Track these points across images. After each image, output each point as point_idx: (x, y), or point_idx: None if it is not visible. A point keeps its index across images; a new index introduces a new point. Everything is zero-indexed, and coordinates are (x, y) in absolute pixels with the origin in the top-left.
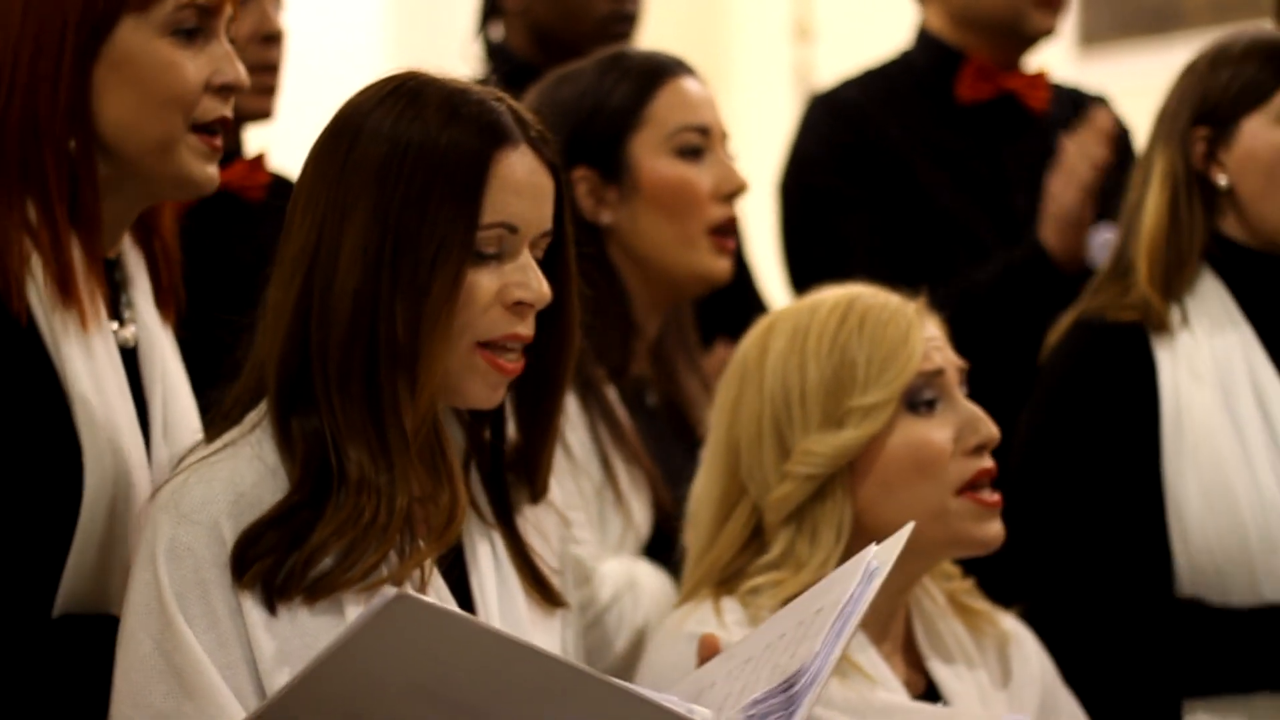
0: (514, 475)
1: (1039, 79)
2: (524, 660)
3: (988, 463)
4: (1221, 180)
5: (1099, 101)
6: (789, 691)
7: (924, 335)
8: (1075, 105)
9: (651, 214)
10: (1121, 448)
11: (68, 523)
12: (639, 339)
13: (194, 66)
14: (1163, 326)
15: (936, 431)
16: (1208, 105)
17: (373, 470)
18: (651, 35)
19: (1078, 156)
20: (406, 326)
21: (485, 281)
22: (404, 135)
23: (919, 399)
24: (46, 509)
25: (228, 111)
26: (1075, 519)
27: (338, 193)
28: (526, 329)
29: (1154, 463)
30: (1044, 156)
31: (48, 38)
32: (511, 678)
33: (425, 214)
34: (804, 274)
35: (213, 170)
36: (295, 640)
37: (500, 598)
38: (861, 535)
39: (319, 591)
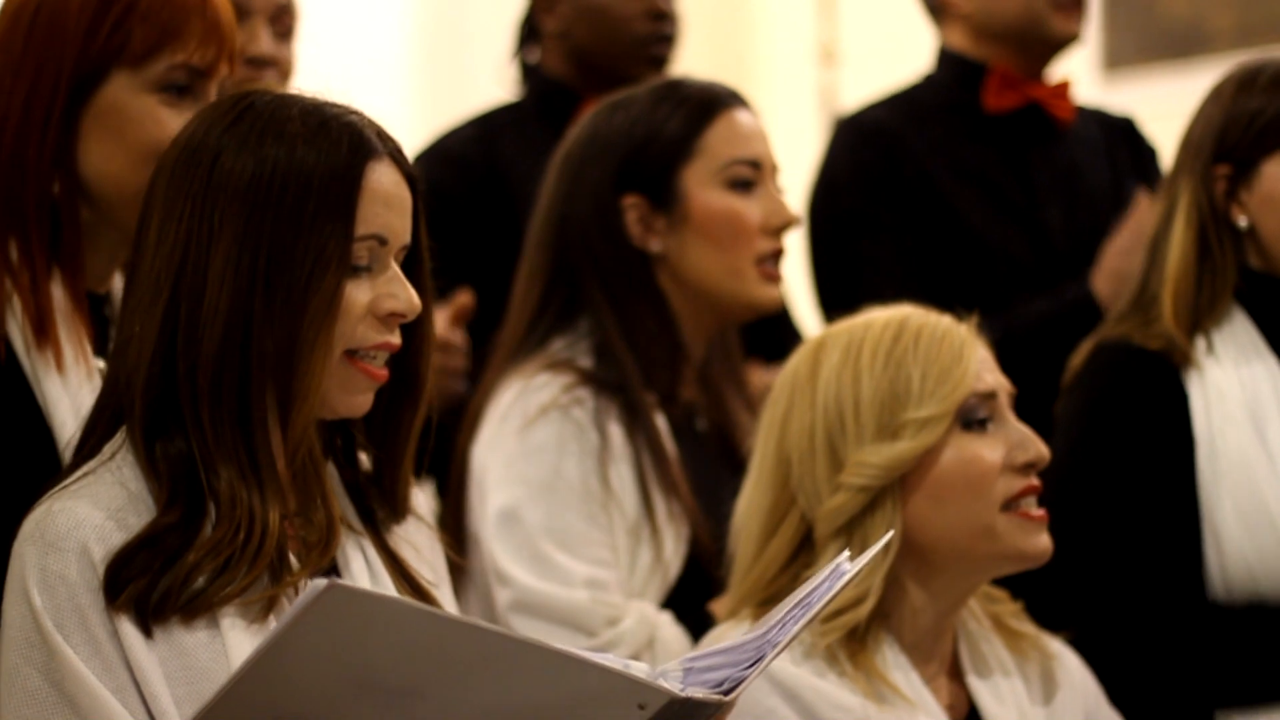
0: (374, 490)
1: (1063, 88)
2: (458, 635)
3: (1034, 480)
4: (1242, 221)
5: (1124, 121)
6: (731, 655)
7: (978, 355)
8: (1100, 125)
9: (700, 244)
10: (1157, 471)
11: None
12: (688, 365)
13: (176, 124)
14: (1188, 362)
15: (988, 449)
16: (1229, 143)
17: (243, 491)
18: (678, 59)
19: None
20: (282, 343)
21: (358, 294)
22: (271, 151)
23: (973, 417)
24: None
25: None
26: (1112, 541)
27: (202, 212)
28: (395, 338)
29: (1190, 486)
30: (1071, 170)
31: (44, 83)
32: (447, 654)
33: (300, 228)
34: (834, 297)
35: None
36: (173, 660)
37: None
38: (909, 550)
39: (195, 610)
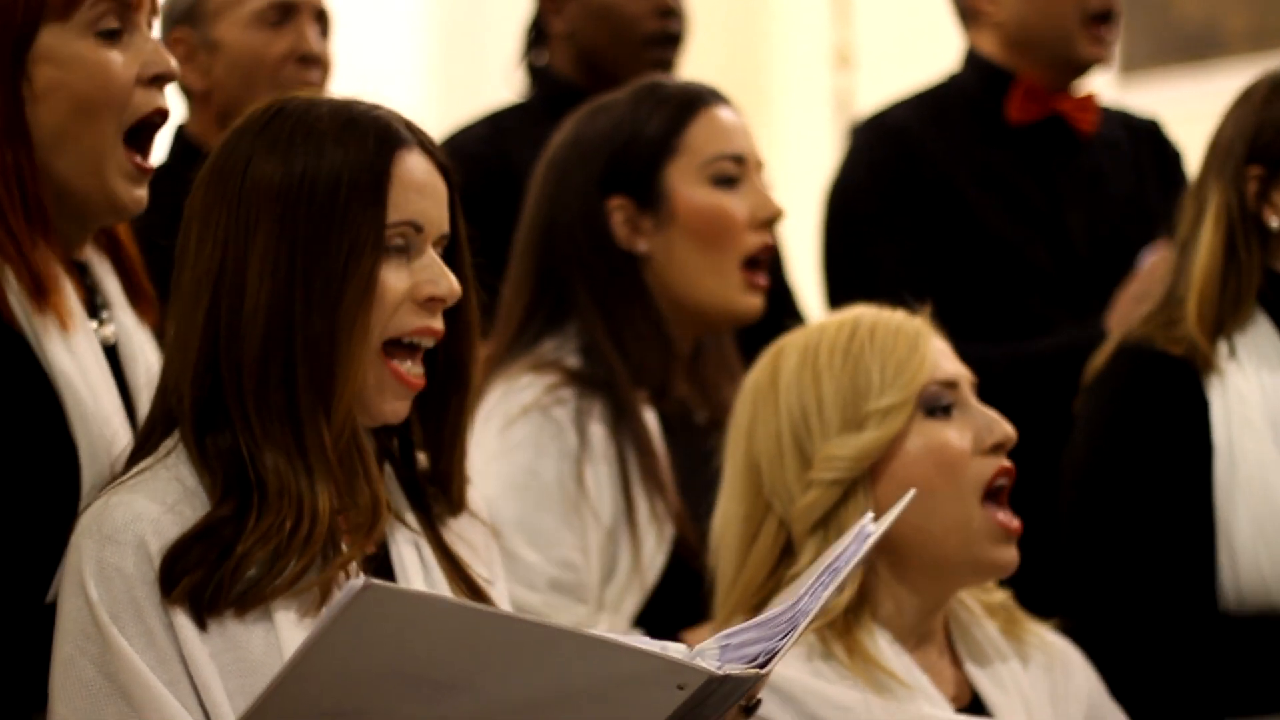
0: (431, 488)
1: (1088, 101)
2: (494, 627)
3: (1005, 461)
4: (1274, 221)
5: (1149, 124)
6: (767, 627)
7: (934, 345)
8: (1125, 128)
9: (687, 242)
10: (1174, 477)
11: (66, 512)
12: (678, 362)
13: (121, 61)
14: (1209, 367)
15: (955, 434)
16: (1260, 144)
17: (291, 478)
18: (693, 63)
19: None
20: (322, 331)
21: (395, 280)
22: (301, 150)
23: (936, 404)
24: (45, 500)
25: (163, 102)
26: (1125, 544)
27: (238, 214)
28: (438, 323)
29: (1205, 493)
30: (1095, 177)
31: None
32: (485, 646)
33: (333, 219)
34: (848, 300)
35: (140, 193)
36: (227, 654)
37: None
38: (883, 543)
39: (247, 602)
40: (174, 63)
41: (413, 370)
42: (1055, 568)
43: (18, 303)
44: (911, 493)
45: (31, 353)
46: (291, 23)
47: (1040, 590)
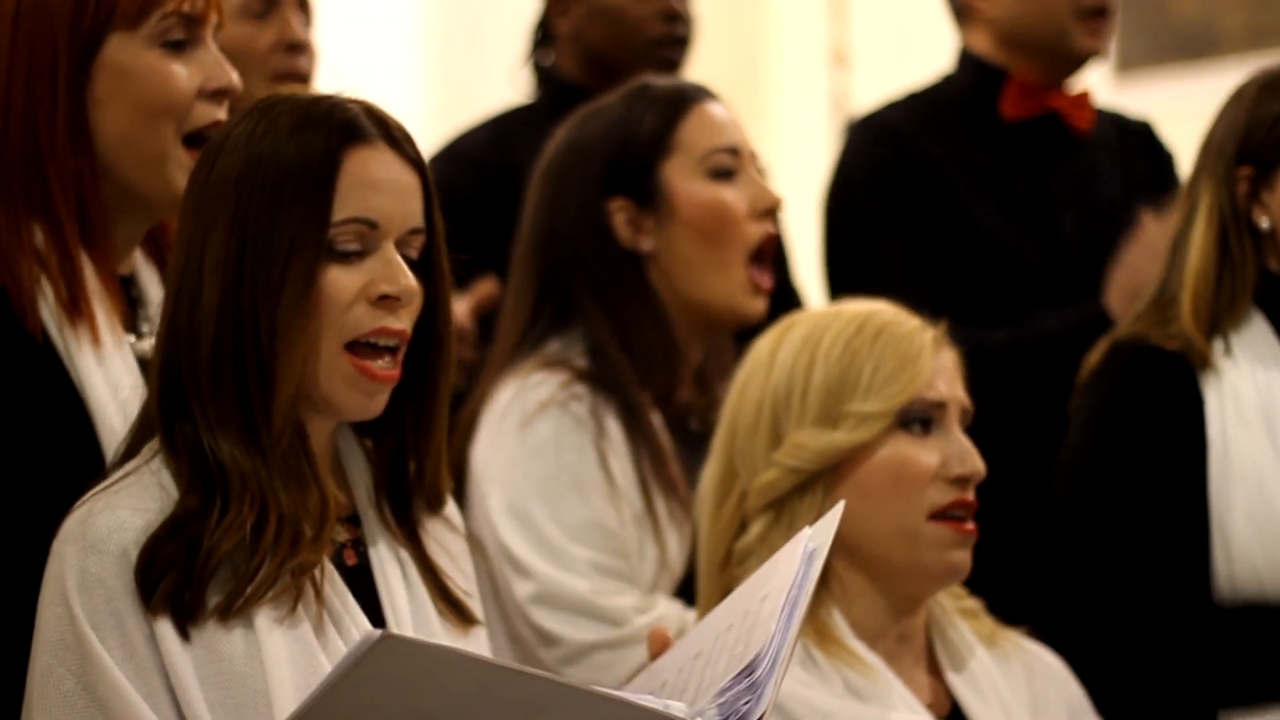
0: (413, 492)
1: (1083, 98)
2: (505, 681)
3: (968, 495)
4: (1264, 222)
5: (1142, 126)
6: (751, 678)
7: (935, 362)
8: (1118, 129)
9: (690, 237)
10: (1169, 472)
11: None
12: (684, 365)
13: (185, 74)
14: (1205, 364)
15: (924, 454)
16: (1251, 145)
17: (251, 473)
18: (690, 62)
19: (1162, 236)
20: (265, 330)
21: (346, 279)
22: (257, 145)
23: (913, 418)
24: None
25: (222, 114)
26: (1120, 540)
27: (201, 211)
28: (398, 323)
29: (1201, 488)
30: (1088, 177)
31: (40, 62)
32: (494, 699)
33: (276, 217)
34: (846, 296)
35: None
36: (209, 665)
37: (414, 616)
38: (840, 543)
39: (229, 612)
40: (236, 77)
41: (380, 364)
42: (1036, 570)
43: (51, 316)
44: (841, 504)
45: (64, 369)
46: (275, 12)
47: (1015, 595)
